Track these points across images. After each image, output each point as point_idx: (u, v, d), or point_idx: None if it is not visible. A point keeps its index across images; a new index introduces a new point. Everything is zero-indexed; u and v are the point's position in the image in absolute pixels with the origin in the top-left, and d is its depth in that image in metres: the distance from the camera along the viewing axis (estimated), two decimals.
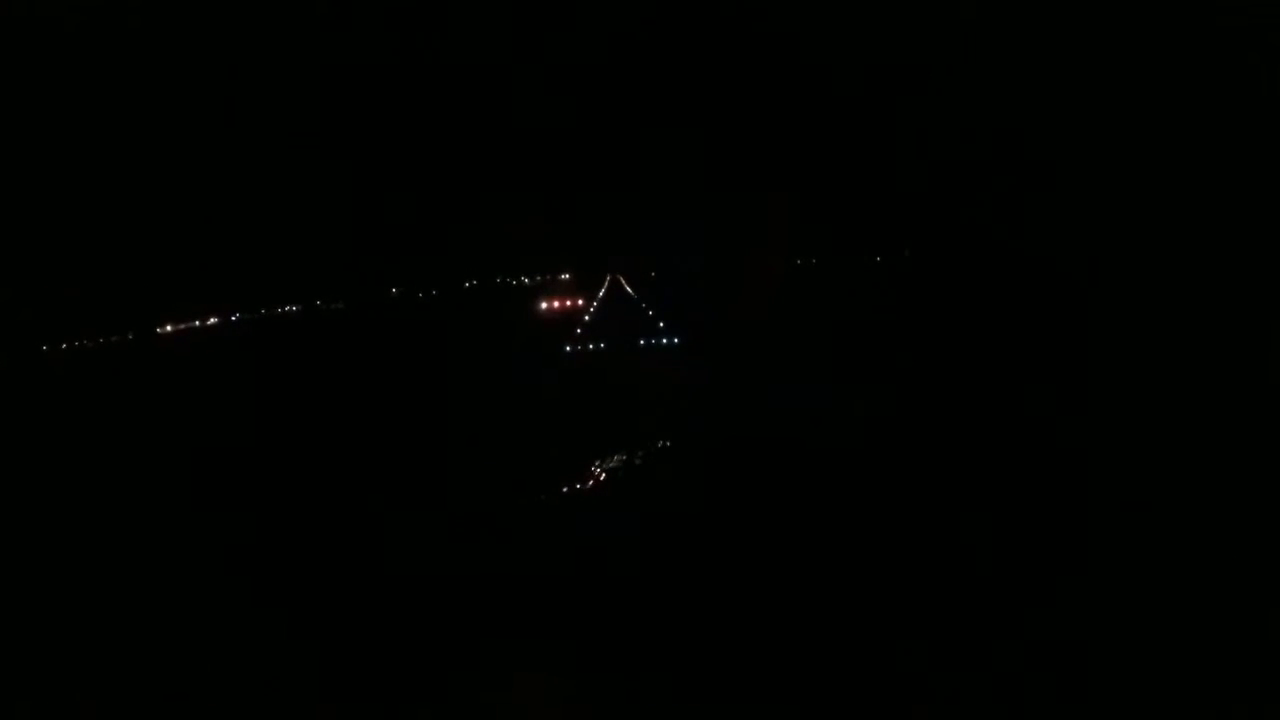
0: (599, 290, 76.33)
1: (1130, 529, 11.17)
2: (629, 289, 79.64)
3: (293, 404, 27.01)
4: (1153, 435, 15.11)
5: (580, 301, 58.59)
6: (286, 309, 69.75)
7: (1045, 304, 38.58)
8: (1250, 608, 9.05)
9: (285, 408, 26.35)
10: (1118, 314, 32.14)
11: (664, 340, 33.80)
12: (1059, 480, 13.27)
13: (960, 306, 42.16)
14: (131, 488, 17.06)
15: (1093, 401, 18.32)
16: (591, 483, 15.14)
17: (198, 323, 60.33)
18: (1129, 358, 22.88)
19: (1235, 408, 16.14)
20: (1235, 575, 9.72)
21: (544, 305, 57.43)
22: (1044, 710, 7.86)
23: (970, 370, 23.67)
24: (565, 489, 14.80)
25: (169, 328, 58.48)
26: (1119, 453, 14.42)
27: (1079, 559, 10.59)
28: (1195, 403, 16.84)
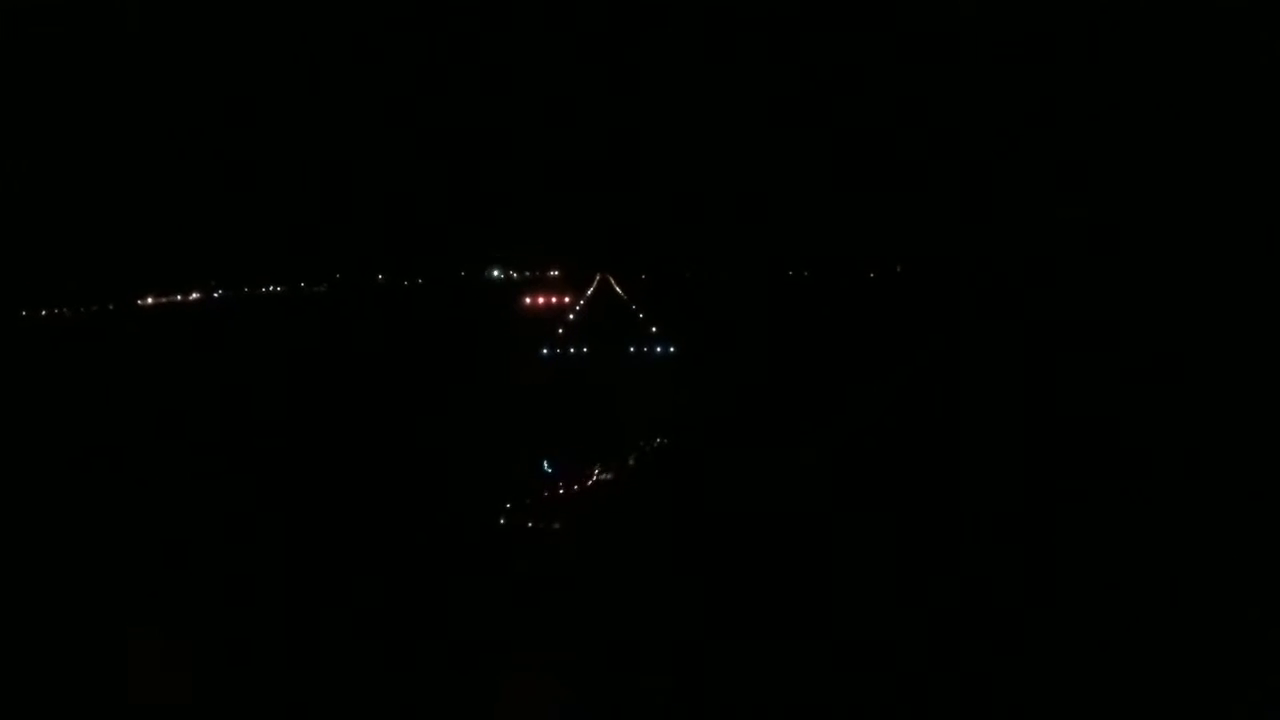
0: (586, 290, 75.70)
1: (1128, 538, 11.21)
2: (619, 290, 79.06)
3: (267, 386, 26.82)
4: (1153, 458, 14.98)
5: (567, 300, 58.20)
6: (270, 289, 69.23)
7: (1044, 321, 38.38)
8: (1250, 610, 9.06)
9: (259, 389, 26.18)
10: (1119, 330, 31.93)
11: (657, 349, 33.16)
12: (1056, 498, 13.27)
13: (953, 324, 42.00)
14: (102, 459, 16.89)
15: (1093, 420, 18.16)
16: (573, 488, 14.92)
17: (179, 297, 59.96)
18: (1130, 375, 22.70)
19: (1238, 424, 16.10)
20: (1235, 578, 9.76)
21: (529, 302, 57.08)
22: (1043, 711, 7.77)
23: (964, 385, 23.59)
24: (545, 493, 14.59)
25: (150, 300, 58.12)
26: (1119, 474, 14.25)
27: (1075, 570, 10.60)
28: (1199, 421, 16.76)
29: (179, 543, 12.26)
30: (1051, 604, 9.62)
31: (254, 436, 19.66)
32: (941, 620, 9.37)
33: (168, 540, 12.38)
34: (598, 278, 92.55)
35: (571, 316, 49.15)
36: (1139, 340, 26.88)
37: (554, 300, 56.71)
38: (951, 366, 27.06)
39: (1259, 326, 24.61)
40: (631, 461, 16.13)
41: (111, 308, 54.68)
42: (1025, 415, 18.66)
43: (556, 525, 13.06)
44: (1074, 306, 37.86)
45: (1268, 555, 10.32)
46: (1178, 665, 8.23)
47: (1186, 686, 7.96)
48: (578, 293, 67.57)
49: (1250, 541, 10.79)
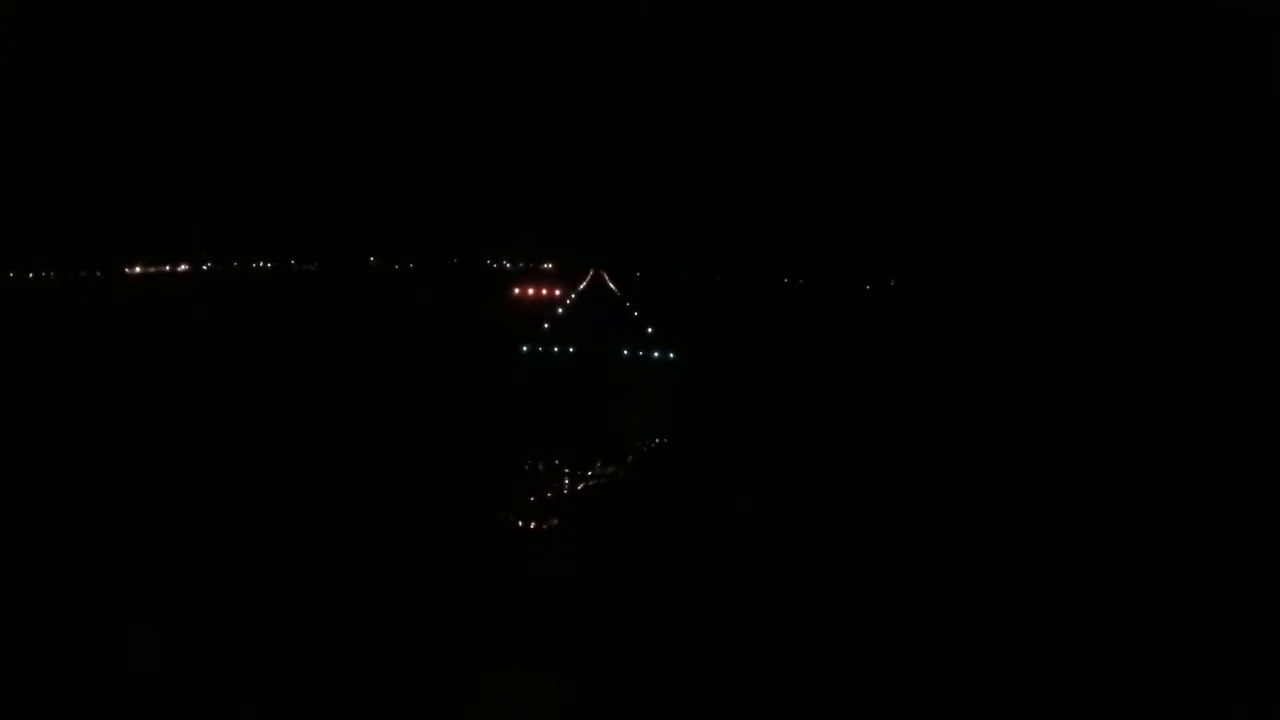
0: (578, 286, 75.26)
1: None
2: (612, 287, 78.67)
3: (248, 364, 26.60)
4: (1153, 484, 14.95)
5: (557, 293, 57.86)
6: (259, 264, 68.71)
7: (1043, 340, 38.31)
8: (1250, 612, 9.08)
9: (240, 367, 25.97)
10: (1121, 350, 31.85)
11: (654, 354, 32.64)
12: (1052, 500, 13.27)
13: (948, 343, 41.98)
14: (82, 429, 16.65)
15: (1092, 443, 18.11)
16: (563, 490, 14.72)
17: (168, 268, 59.53)
18: (1131, 397, 22.67)
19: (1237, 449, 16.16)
20: (1234, 581, 9.82)
21: (518, 293, 56.77)
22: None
23: (960, 393, 23.59)
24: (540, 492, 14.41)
25: (138, 269, 57.71)
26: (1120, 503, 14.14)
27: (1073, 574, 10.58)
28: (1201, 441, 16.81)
29: (158, 529, 11.96)
30: (1049, 605, 9.63)
31: (236, 417, 19.36)
32: (940, 620, 9.39)
33: (147, 525, 12.08)
34: (590, 273, 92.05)
35: (560, 312, 48.85)
36: (1137, 344, 26.99)
37: (544, 293, 56.41)
38: (947, 375, 27.12)
39: (1258, 333, 24.74)
40: (630, 460, 16.03)
41: (99, 274, 54.35)
42: (1022, 419, 18.76)
43: (554, 524, 12.86)
44: (1072, 314, 37.93)
45: (1268, 555, 10.43)
46: (1178, 665, 8.23)
47: (1187, 686, 7.96)
48: (569, 287, 67.19)
49: (1251, 542, 10.90)
